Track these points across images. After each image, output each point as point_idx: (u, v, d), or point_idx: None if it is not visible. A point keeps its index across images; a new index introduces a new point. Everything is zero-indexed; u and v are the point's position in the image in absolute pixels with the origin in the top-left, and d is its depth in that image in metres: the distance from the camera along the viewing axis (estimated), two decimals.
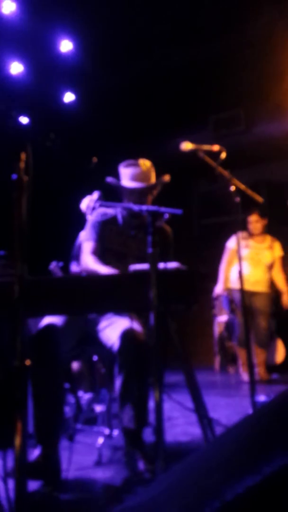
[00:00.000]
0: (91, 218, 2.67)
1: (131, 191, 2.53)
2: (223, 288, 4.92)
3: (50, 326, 2.18)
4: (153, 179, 2.58)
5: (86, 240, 2.61)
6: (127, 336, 2.16)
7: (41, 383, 2.11)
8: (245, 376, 4.72)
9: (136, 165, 2.56)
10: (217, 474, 0.65)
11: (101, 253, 2.55)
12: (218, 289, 4.95)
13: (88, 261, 2.49)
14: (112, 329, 2.29)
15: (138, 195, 2.52)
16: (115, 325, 2.28)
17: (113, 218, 2.63)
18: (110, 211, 2.65)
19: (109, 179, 2.55)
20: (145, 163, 2.58)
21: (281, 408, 0.74)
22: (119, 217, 2.63)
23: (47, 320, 2.21)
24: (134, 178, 2.54)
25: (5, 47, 4.84)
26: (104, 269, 2.37)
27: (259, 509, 0.57)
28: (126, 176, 2.57)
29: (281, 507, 0.56)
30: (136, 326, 2.22)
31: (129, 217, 2.59)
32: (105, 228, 2.60)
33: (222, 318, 5.30)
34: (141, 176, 2.54)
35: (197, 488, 0.71)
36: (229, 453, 0.73)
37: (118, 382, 2.20)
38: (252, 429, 0.76)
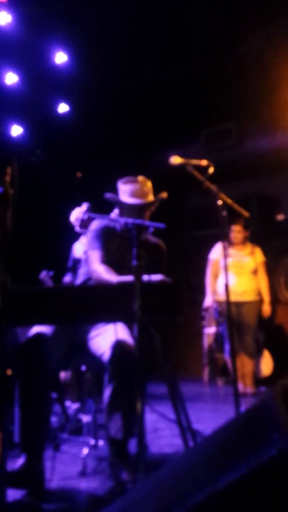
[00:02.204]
0: (93, 227, 2.66)
1: (130, 206, 2.57)
2: (213, 300, 4.96)
3: (38, 336, 2.19)
4: (151, 196, 2.62)
5: (91, 250, 2.59)
6: (118, 346, 2.18)
7: (28, 392, 2.12)
8: (240, 387, 4.73)
9: (136, 182, 2.61)
10: (182, 483, 0.67)
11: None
12: (208, 301, 5.00)
13: (101, 271, 2.48)
14: (103, 339, 2.31)
15: (136, 211, 2.56)
16: (106, 335, 2.30)
17: (113, 229, 2.65)
18: (105, 221, 2.67)
19: (108, 195, 2.58)
20: (144, 181, 2.64)
21: (245, 424, 0.77)
22: (118, 229, 2.66)
23: (36, 329, 2.23)
24: (133, 194, 2.58)
25: (0, 57, 4.89)
26: (116, 280, 2.37)
27: None
28: (125, 193, 2.61)
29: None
30: (127, 337, 2.24)
31: (125, 229, 2.62)
32: (107, 237, 2.61)
33: (211, 330, 5.32)
34: (140, 193, 2.58)
35: (165, 496, 0.74)
36: (196, 463, 0.75)
37: (107, 392, 2.21)
38: (219, 442, 0.79)
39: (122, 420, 2.16)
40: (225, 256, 2.80)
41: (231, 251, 4.89)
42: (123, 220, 1.97)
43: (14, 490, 1.97)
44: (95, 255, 2.56)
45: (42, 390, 2.16)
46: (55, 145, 4.75)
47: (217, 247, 5.02)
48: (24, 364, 2.14)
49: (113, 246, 2.60)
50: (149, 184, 2.65)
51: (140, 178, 2.63)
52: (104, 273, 2.46)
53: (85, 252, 2.65)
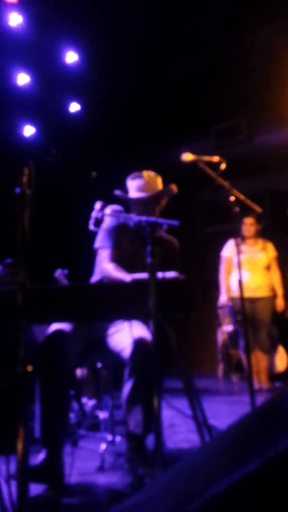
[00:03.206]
0: (104, 225, 2.66)
1: (137, 201, 2.59)
2: (227, 298, 4.96)
3: (58, 332, 2.22)
4: (157, 188, 2.64)
5: (102, 248, 2.61)
6: (139, 342, 2.20)
7: (49, 388, 2.15)
8: (255, 383, 4.73)
9: (141, 176, 2.63)
10: (200, 475, 0.69)
11: (115, 261, 2.56)
12: (222, 299, 4.98)
13: (111, 269, 2.50)
14: (122, 335, 2.33)
15: (143, 205, 2.58)
16: (125, 332, 2.31)
17: (126, 225, 2.65)
18: (120, 219, 2.68)
19: (117, 192, 2.60)
20: (149, 174, 2.65)
21: (260, 418, 0.79)
22: (131, 226, 2.67)
23: (55, 326, 2.26)
24: (139, 189, 2.60)
25: (12, 58, 4.93)
26: (127, 277, 2.39)
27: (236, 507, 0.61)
28: (133, 188, 2.64)
29: (255, 506, 0.61)
30: (147, 334, 2.26)
31: (138, 226, 2.63)
32: (119, 234, 2.63)
33: (227, 327, 5.32)
34: (145, 187, 2.60)
35: (183, 488, 0.76)
36: (213, 455, 0.77)
37: (127, 387, 2.23)
38: (235, 435, 0.80)
39: (142, 415, 2.18)
40: (238, 252, 2.81)
41: (244, 247, 4.88)
42: (137, 218, 1.99)
43: (34, 484, 2.01)
44: (105, 253, 2.58)
45: (62, 386, 2.19)
46: (67, 144, 4.78)
47: (229, 244, 5.01)
48: (44, 361, 2.17)
49: (126, 243, 2.62)
50: (155, 177, 2.66)
51: (146, 172, 2.64)
52: (114, 272, 2.47)
53: (96, 250, 2.66)
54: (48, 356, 2.18)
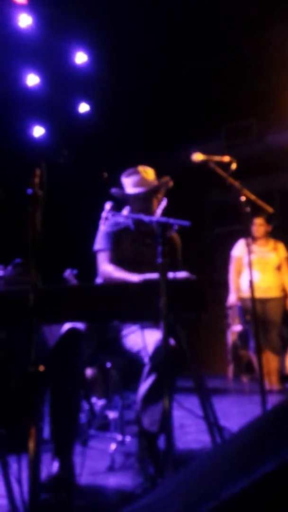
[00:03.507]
0: (102, 228, 2.66)
1: (134, 197, 2.59)
2: (236, 298, 4.94)
3: (73, 330, 2.21)
4: (154, 182, 2.63)
5: (100, 250, 2.60)
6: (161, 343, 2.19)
7: (60, 390, 2.15)
8: (265, 384, 4.70)
9: (136, 172, 2.63)
10: (214, 476, 0.69)
11: (116, 263, 2.55)
12: (231, 299, 4.97)
13: (111, 270, 2.50)
14: (139, 336, 2.31)
15: (142, 200, 2.58)
16: (140, 333, 2.30)
17: (126, 227, 2.66)
18: (121, 220, 2.68)
19: (113, 190, 2.60)
20: (144, 169, 2.64)
21: (277, 417, 0.78)
22: (131, 225, 2.67)
23: (69, 324, 2.25)
24: (136, 184, 2.60)
25: (22, 59, 4.96)
26: (130, 276, 2.37)
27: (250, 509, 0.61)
28: (129, 185, 2.63)
29: (271, 507, 0.60)
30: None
31: (138, 224, 2.63)
32: (119, 238, 2.62)
33: (236, 327, 5.29)
34: (141, 182, 2.60)
35: (196, 489, 0.75)
36: (227, 456, 0.77)
37: (146, 384, 2.22)
38: (248, 437, 0.80)
39: (159, 414, 2.17)
40: (249, 252, 2.79)
41: (255, 247, 4.86)
42: (147, 218, 1.99)
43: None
44: (104, 255, 2.57)
45: (75, 387, 2.19)
46: (77, 145, 4.79)
47: (240, 243, 4.98)
48: (58, 360, 2.16)
49: (127, 244, 2.61)
50: (150, 171, 2.65)
51: (140, 167, 2.64)
52: (115, 272, 2.46)
53: (95, 253, 2.65)
54: (62, 355, 2.17)
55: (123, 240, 2.62)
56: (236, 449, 0.85)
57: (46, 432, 2.22)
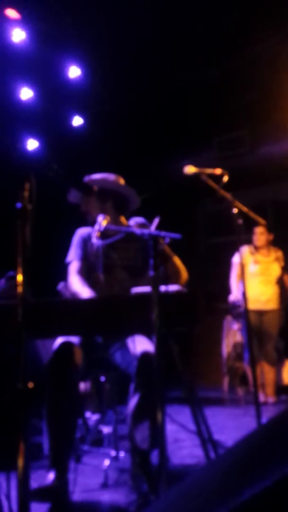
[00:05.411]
0: (74, 239, 2.66)
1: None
2: (236, 296, 4.87)
3: (66, 344, 2.19)
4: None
5: (71, 260, 2.60)
6: (145, 356, 2.17)
7: (57, 405, 2.11)
8: (260, 396, 4.68)
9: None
10: (209, 493, 0.67)
11: (88, 270, 2.54)
12: (234, 296, 4.90)
13: (74, 282, 2.48)
14: (127, 350, 2.31)
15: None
16: (130, 346, 2.29)
17: (90, 234, 2.63)
18: (87, 228, 2.65)
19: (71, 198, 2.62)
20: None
21: (269, 434, 0.77)
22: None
23: (62, 338, 2.23)
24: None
25: (15, 73, 4.98)
26: (85, 293, 2.35)
27: None
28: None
29: None
30: (151, 348, 2.22)
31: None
32: (87, 245, 2.61)
33: (234, 326, 5.20)
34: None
35: (191, 506, 0.74)
36: (221, 472, 0.75)
37: (133, 401, 2.20)
38: (243, 453, 0.78)
39: (148, 430, 2.15)
40: (242, 265, 2.79)
41: (258, 257, 4.85)
42: (139, 231, 1.98)
43: (40, 503, 1.97)
44: (73, 266, 2.56)
45: (71, 401, 2.16)
46: (70, 158, 4.80)
47: (242, 251, 4.98)
48: (54, 375, 2.13)
49: (93, 250, 2.57)
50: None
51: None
52: (75, 284, 2.44)
53: (67, 264, 2.63)
54: (56, 369, 2.15)
55: (90, 247, 2.59)
56: (231, 464, 0.83)
57: (46, 447, 2.19)
